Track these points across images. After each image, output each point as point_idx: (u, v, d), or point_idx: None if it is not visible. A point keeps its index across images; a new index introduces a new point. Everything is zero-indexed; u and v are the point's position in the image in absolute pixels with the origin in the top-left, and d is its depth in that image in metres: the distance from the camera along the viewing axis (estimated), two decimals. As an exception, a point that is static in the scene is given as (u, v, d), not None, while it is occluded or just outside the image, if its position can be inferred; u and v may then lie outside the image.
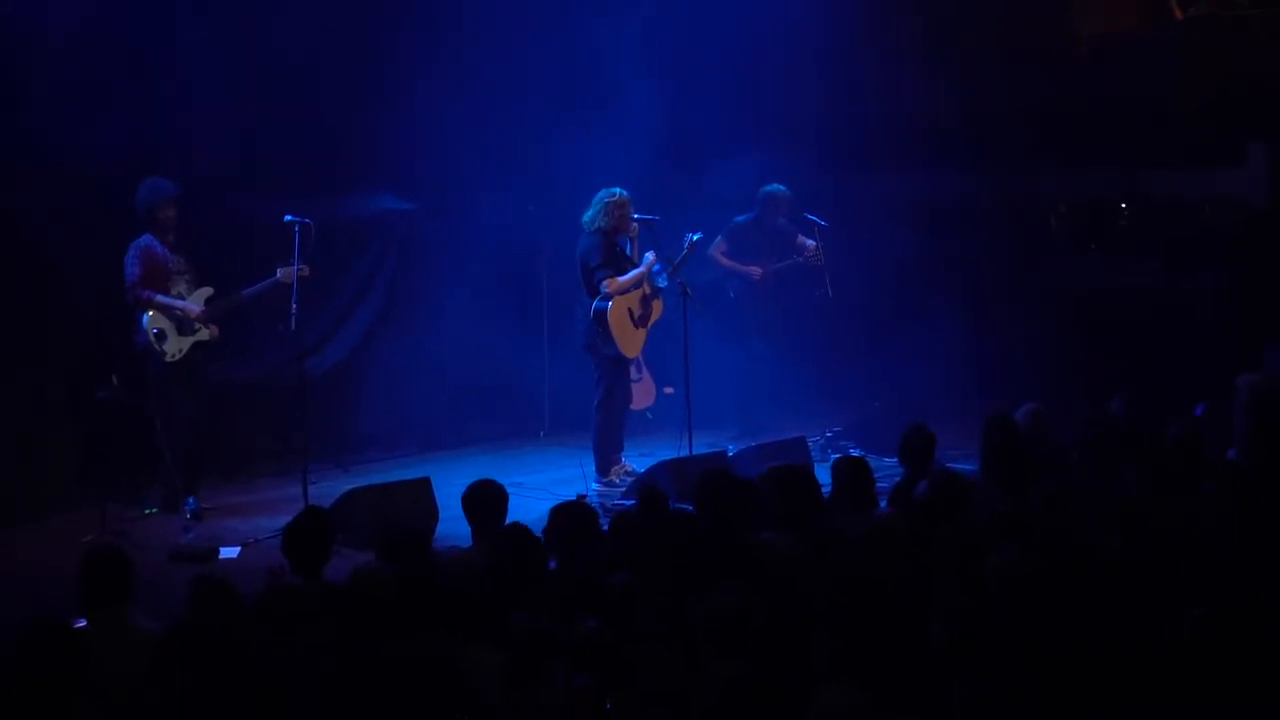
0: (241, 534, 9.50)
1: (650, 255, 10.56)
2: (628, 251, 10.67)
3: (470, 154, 12.15)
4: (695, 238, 10.79)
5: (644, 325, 10.67)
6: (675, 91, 12.24)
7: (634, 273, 10.52)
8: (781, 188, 11.97)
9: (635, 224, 10.55)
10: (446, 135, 11.96)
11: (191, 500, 9.97)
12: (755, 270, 11.99)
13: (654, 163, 11.78)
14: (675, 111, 12.20)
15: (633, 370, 11.08)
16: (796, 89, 12.91)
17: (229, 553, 9.09)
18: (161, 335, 9.81)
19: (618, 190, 10.50)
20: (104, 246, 10.12)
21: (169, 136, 10.59)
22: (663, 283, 10.62)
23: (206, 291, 10.04)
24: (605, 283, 10.41)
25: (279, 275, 9.96)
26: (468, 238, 12.52)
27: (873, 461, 7.97)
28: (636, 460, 10.88)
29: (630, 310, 10.56)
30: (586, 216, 10.53)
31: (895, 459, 8.17)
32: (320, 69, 11.30)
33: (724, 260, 11.98)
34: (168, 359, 9.84)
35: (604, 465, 10.69)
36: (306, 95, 11.39)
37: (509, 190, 12.51)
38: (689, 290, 10.52)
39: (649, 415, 11.74)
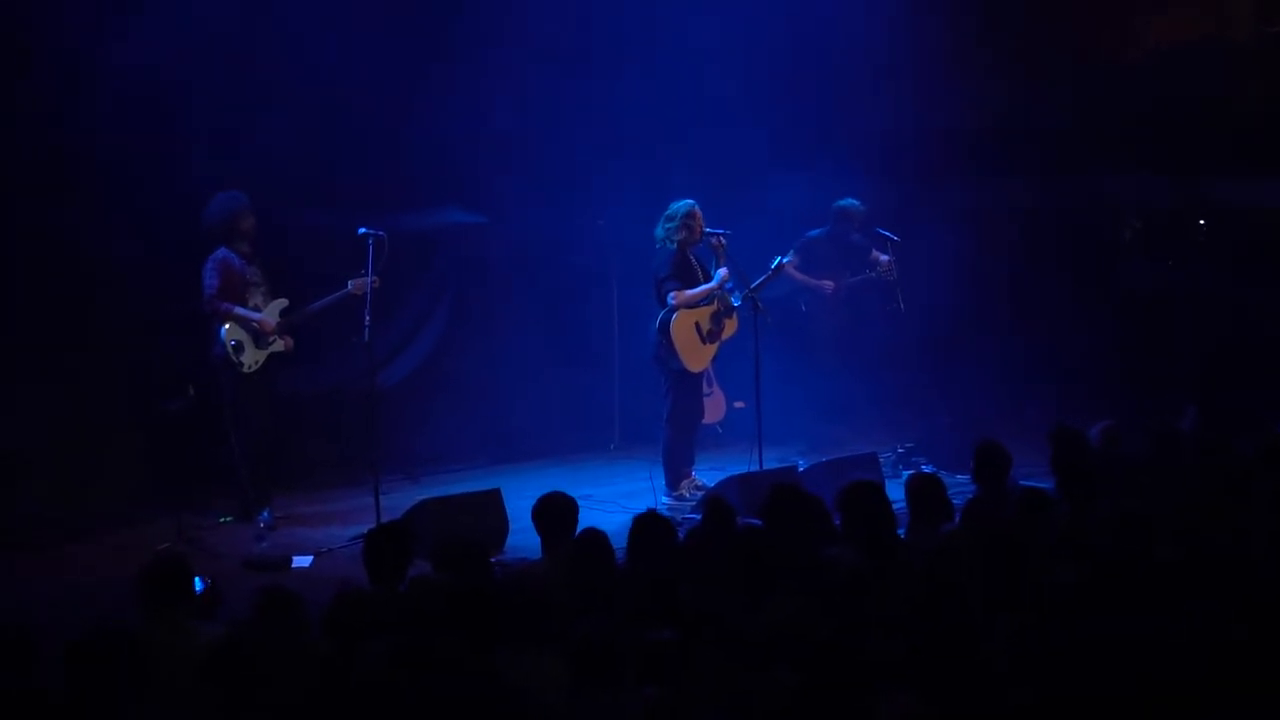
0: (314, 543, 9.56)
1: (723, 271, 10.53)
2: (710, 267, 10.63)
3: (540, 168, 12.20)
4: (783, 260, 10.78)
5: (713, 341, 10.64)
6: (743, 106, 12.24)
7: (703, 287, 10.50)
8: (855, 202, 11.94)
9: (717, 237, 10.52)
10: (516, 149, 12.02)
11: (265, 510, 10.05)
12: (827, 284, 11.95)
13: (724, 178, 11.78)
14: (743, 126, 12.20)
15: (704, 384, 11.06)
16: (864, 102, 12.87)
17: (301, 561, 9.14)
18: (239, 347, 9.90)
19: (688, 202, 10.50)
20: (177, 260, 10.24)
21: (240, 150, 10.70)
22: (736, 301, 10.59)
23: (282, 303, 10.13)
24: (672, 295, 10.40)
25: (350, 287, 10.02)
26: (537, 251, 12.58)
27: (945, 478, 7.90)
28: (706, 474, 10.85)
29: (699, 325, 10.54)
30: (659, 230, 10.53)
31: (967, 475, 8.11)
32: (390, 84, 11.38)
33: (796, 274, 11.95)
34: (244, 370, 9.93)
35: (673, 479, 10.68)
36: (377, 109, 11.47)
37: (579, 204, 12.55)
38: (760, 305, 10.49)
39: (719, 429, 11.73)
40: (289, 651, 5.28)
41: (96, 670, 4.98)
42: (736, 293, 10.58)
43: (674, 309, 10.40)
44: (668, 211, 10.52)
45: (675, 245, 10.46)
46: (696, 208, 10.49)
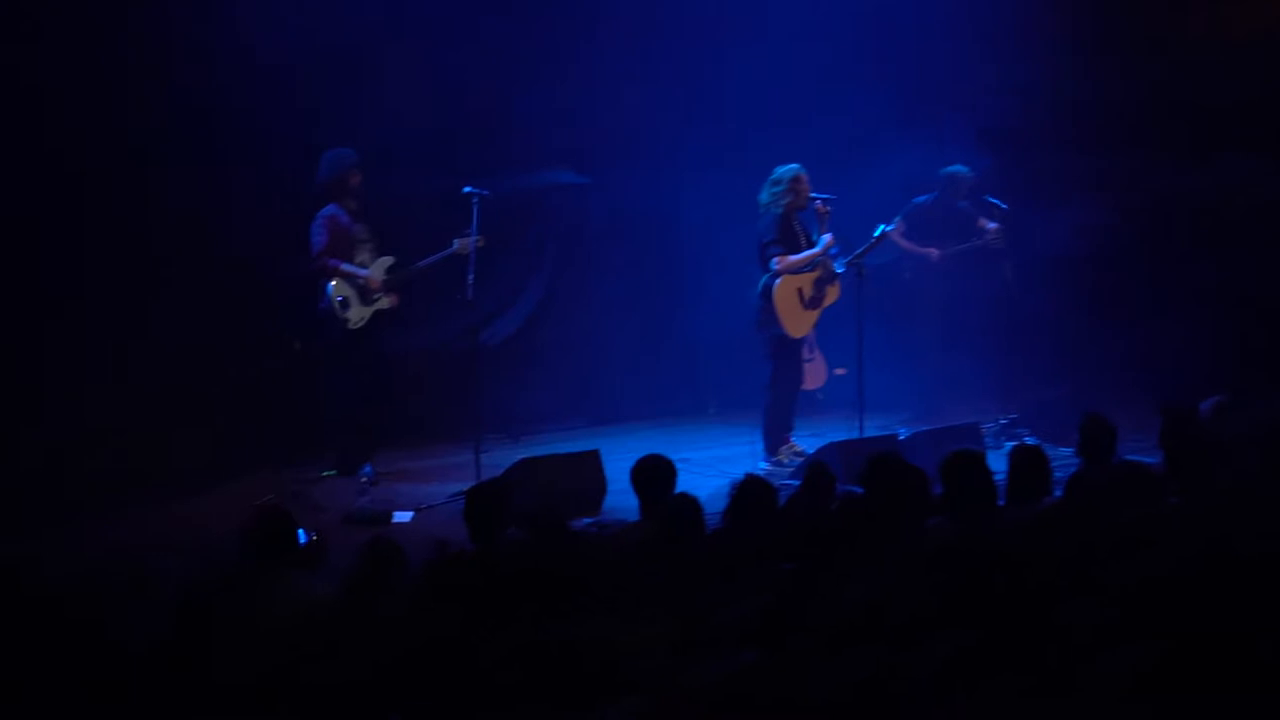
0: (414, 499, 9.65)
1: (828, 237, 10.46)
2: (814, 233, 10.57)
3: (645, 130, 12.18)
4: (887, 228, 10.71)
5: (815, 307, 10.58)
6: (850, 73, 12.13)
7: (808, 253, 10.44)
8: (964, 169, 11.81)
9: (822, 203, 10.45)
10: (623, 112, 12.01)
11: (367, 465, 10.15)
12: (932, 252, 11.83)
13: (829, 143, 11.68)
14: (850, 92, 12.09)
15: (805, 350, 11.01)
16: (982, 67, 12.69)
17: (402, 517, 9.22)
18: (345, 303, 10.00)
19: (794, 166, 10.43)
20: (283, 217, 10.35)
21: (347, 110, 10.78)
22: (840, 268, 10.52)
23: (387, 261, 10.21)
24: (776, 260, 10.35)
25: (455, 246, 10.08)
26: (640, 213, 12.57)
27: (1048, 451, 7.80)
28: (806, 441, 10.82)
29: (800, 290, 10.48)
30: (763, 195, 10.47)
31: (1071, 449, 8.00)
32: (496, 43, 11.41)
33: (901, 241, 11.84)
34: (350, 327, 10.03)
35: (773, 444, 10.65)
36: (482, 70, 11.50)
37: (683, 167, 12.51)
38: (863, 271, 10.42)
39: (820, 396, 11.67)
40: (389, 604, 5.33)
41: (205, 618, 5.06)
42: (840, 259, 10.51)
43: (777, 274, 10.35)
44: (773, 175, 10.46)
45: (780, 210, 10.40)
46: (803, 172, 10.42)
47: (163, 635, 5.14)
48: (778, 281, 10.36)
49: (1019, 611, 5.07)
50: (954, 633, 4.82)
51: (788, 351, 10.66)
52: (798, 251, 10.42)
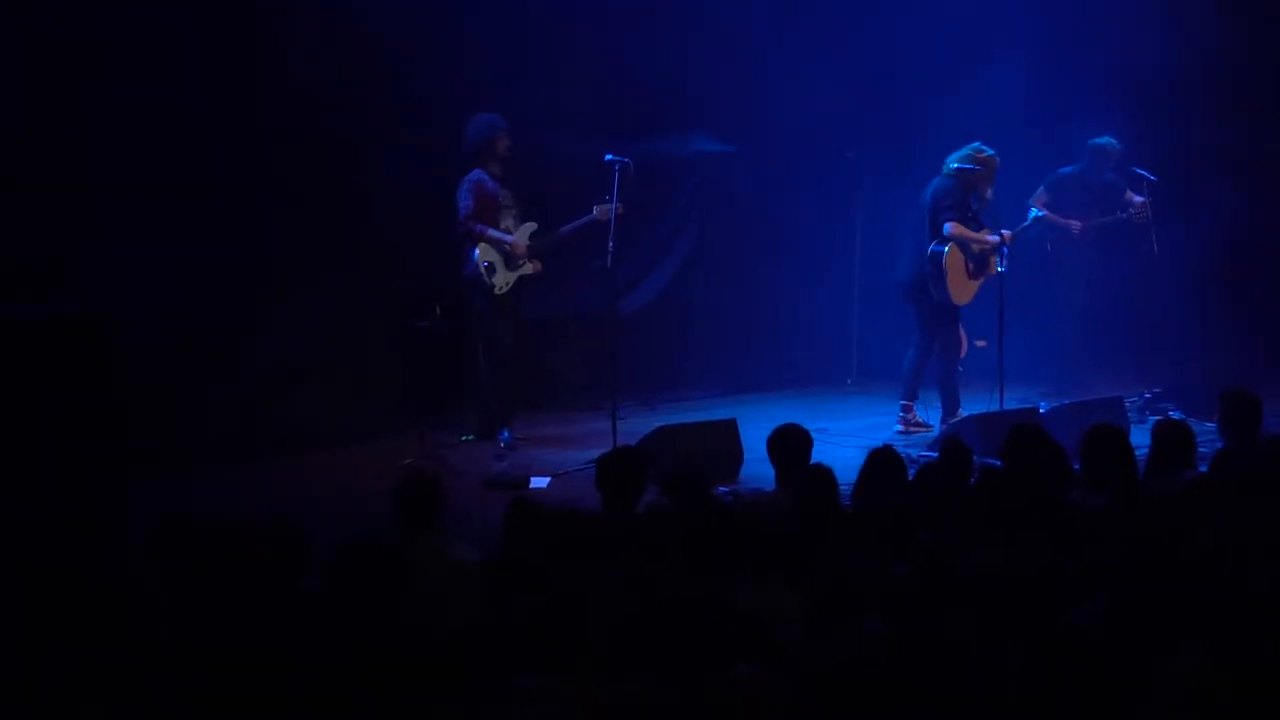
0: (552, 465, 9.73)
1: (1006, 233, 10.41)
2: (984, 215, 10.55)
3: (788, 98, 12.12)
4: (1039, 215, 10.62)
5: (977, 278, 10.56)
6: (1000, 39, 11.98)
7: (985, 237, 10.37)
8: (1111, 140, 11.61)
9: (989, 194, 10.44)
10: (765, 79, 11.97)
11: (506, 430, 10.25)
12: (1075, 224, 11.66)
13: (976, 112, 11.55)
14: (1000, 60, 11.94)
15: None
16: (1138, 37, 12.41)
17: (539, 482, 9.30)
18: (491, 269, 10.10)
19: (991, 151, 10.44)
20: (427, 181, 10.48)
21: (490, 75, 10.88)
22: (1002, 268, 10.39)
23: (531, 227, 10.29)
24: (950, 225, 10.30)
25: (595, 213, 10.13)
26: (781, 181, 12.53)
27: (1194, 426, 7.68)
28: (929, 413, 10.81)
29: (967, 260, 10.46)
30: (953, 160, 10.42)
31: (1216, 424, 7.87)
32: (640, 14, 11.43)
33: (1043, 212, 11.69)
34: (495, 292, 10.12)
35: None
36: (626, 36, 11.54)
37: (824, 136, 12.45)
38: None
39: (960, 368, 11.58)
40: (532, 566, 5.41)
41: (361, 575, 5.17)
42: (1004, 261, 10.37)
43: (948, 239, 10.30)
44: (974, 147, 10.42)
45: (961, 177, 10.36)
46: (996, 158, 10.41)
47: (314, 591, 5.26)
48: (948, 248, 10.35)
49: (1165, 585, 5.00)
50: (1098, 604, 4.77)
51: (948, 318, 10.68)
52: (969, 224, 10.36)
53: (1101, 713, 4.26)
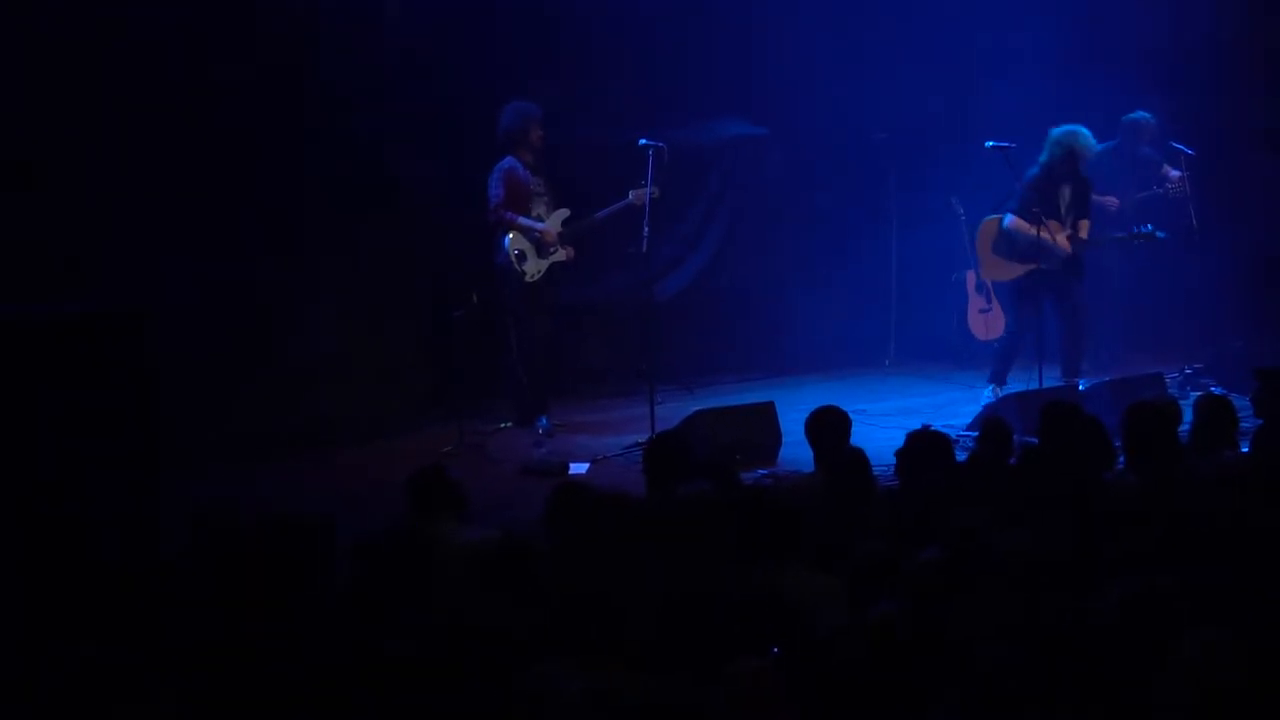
0: (590, 450, 9.72)
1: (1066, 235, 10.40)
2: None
3: (818, 80, 12.06)
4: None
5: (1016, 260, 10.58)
6: (1034, 12, 11.89)
7: (1039, 236, 10.23)
8: (1146, 115, 11.50)
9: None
10: (795, 62, 11.92)
11: (543, 417, 10.25)
12: (1111, 201, 11.55)
13: (1009, 88, 11.47)
14: (1032, 36, 11.85)
15: (983, 300, 10.93)
16: (1164, 9, 12.31)
17: (578, 468, 9.29)
18: (522, 256, 10.09)
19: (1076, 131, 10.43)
20: (460, 169, 10.48)
21: (520, 65, 10.87)
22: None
23: (564, 213, 10.27)
24: (1010, 216, 10.45)
25: (630, 198, 10.11)
26: (814, 163, 12.49)
27: (1236, 401, 7.60)
28: (961, 393, 10.88)
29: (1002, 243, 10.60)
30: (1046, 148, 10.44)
31: (1258, 400, 7.79)
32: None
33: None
34: (527, 279, 10.11)
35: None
36: (658, 21, 11.51)
37: (856, 117, 12.40)
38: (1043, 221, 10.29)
39: (998, 346, 11.52)
40: (573, 549, 5.42)
41: (384, 565, 5.19)
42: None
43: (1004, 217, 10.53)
44: (1076, 131, 10.37)
45: (1043, 171, 10.39)
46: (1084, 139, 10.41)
47: (339, 583, 5.29)
48: (986, 222, 10.68)
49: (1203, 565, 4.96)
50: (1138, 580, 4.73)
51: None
52: (1051, 212, 10.35)
53: (1112, 698, 4.23)
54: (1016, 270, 10.60)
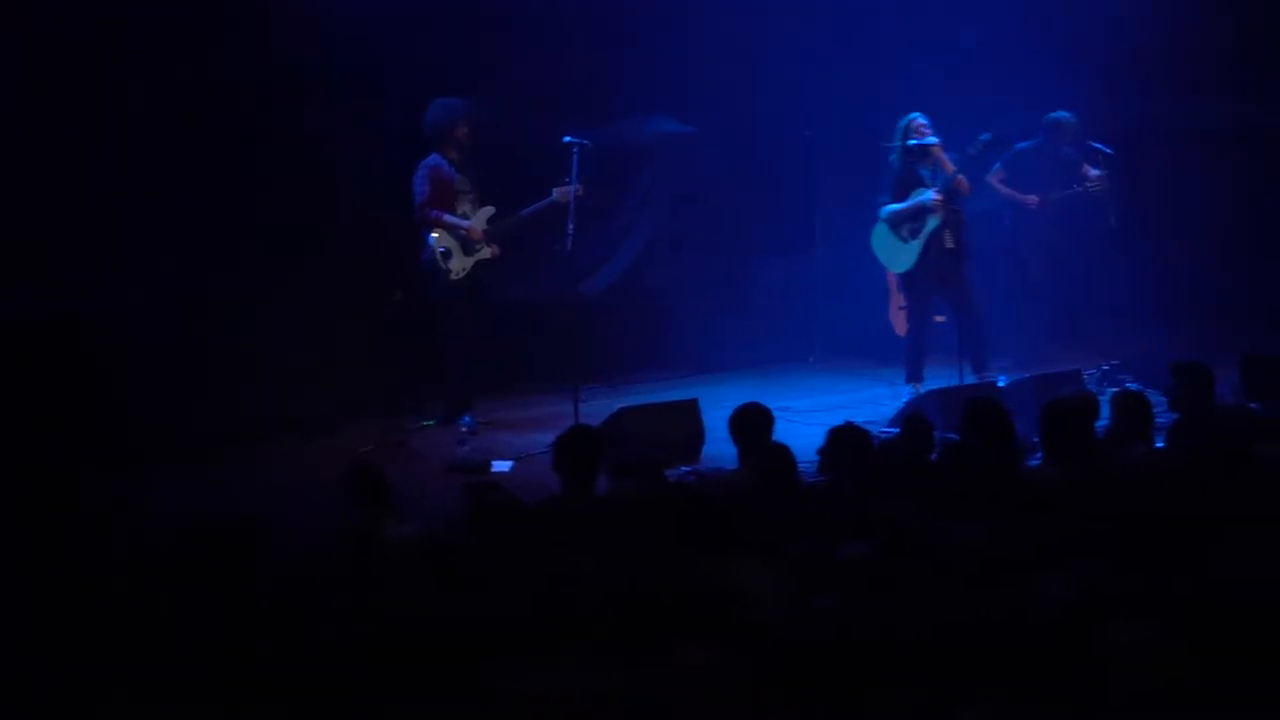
0: (514, 448, 9.72)
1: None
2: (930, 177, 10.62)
3: (746, 79, 12.12)
4: (986, 139, 10.61)
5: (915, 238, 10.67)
6: (950, 16, 11.99)
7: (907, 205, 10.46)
8: (1067, 115, 11.63)
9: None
10: (723, 60, 11.97)
11: (468, 415, 10.23)
12: (1032, 199, 11.69)
13: (932, 87, 11.57)
14: (951, 35, 11.96)
15: (902, 297, 11.05)
16: (1080, 9, 12.44)
17: (501, 466, 9.29)
18: (447, 254, 10.08)
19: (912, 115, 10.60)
20: (387, 166, 10.44)
21: (451, 59, 10.83)
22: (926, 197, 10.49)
23: (489, 211, 10.26)
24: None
25: (555, 195, 10.11)
26: (741, 161, 12.53)
27: (1152, 396, 7.73)
28: (883, 389, 10.97)
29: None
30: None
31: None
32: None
33: (1001, 188, 11.72)
34: (452, 277, 10.10)
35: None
36: (586, 18, 11.51)
37: (784, 115, 12.46)
38: (964, 219, 10.40)
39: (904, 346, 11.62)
40: (493, 547, 5.42)
41: (326, 562, 5.18)
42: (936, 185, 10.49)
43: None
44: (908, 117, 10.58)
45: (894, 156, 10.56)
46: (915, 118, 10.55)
47: (278, 583, 5.26)
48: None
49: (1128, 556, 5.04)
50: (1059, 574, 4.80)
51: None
52: (905, 199, 10.51)
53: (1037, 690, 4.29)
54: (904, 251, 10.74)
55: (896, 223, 10.60)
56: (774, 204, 12.81)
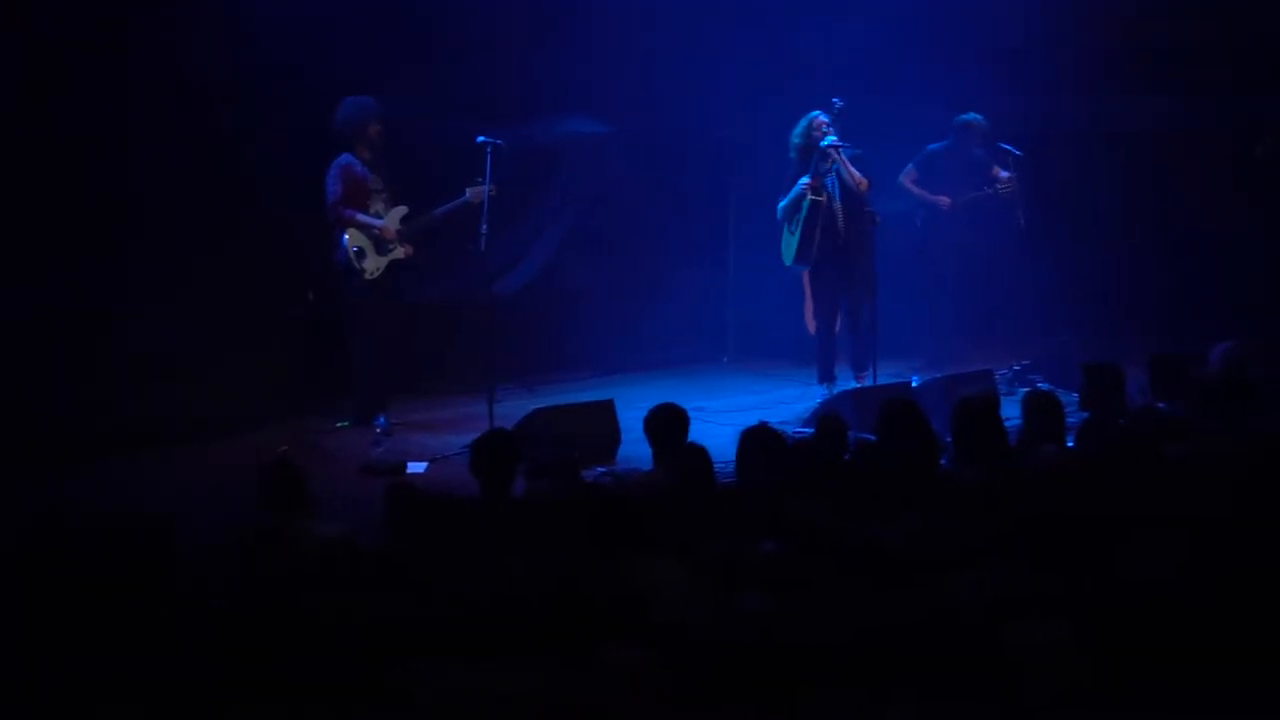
0: (429, 449, 9.67)
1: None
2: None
3: (660, 78, 12.14)
4: (839, 104, 10.70)
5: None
6: (865, 14, 12.07)
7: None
8: (977, 116, 11.74)
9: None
10: (638, 59, 11.97)
11: (382, 416, 10.18)
12: (943, 200, 11.79)
13: (848, 87, 11.64)
14: (863, 35, 12.03)
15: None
16: (990, 10, 12.56)
17: (416, 467, 9.25)
18: (361, 254, 10.02)
19: (813, 113, 10.68)
20: (299, 165, 10.35)
21: (363, 58, 10.76)
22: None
23: (402, 210, 10.21)
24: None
25: (468, 195, 10.08)
26: (656, 161, 12.55)
27: (1063, 396, 7.81)
28: (797, 390, 10.98)
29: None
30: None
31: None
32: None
33: (913, 188, 11.83)
34: (366, 277, 10.04)
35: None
36: (499, 17, 11.47)
37: (698, 114, 12.49)
38: (877, 219, 10.46)
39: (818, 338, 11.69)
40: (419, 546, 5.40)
41: (243, 561, 5.12)
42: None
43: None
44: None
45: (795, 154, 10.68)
46: (816, 116, 10.60)
47: (193, 583, 5.20)
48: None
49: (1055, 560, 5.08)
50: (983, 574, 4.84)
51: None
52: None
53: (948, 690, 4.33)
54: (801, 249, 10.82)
55: (787, 217, 10.75)
56: (687, 204, 12.85)
